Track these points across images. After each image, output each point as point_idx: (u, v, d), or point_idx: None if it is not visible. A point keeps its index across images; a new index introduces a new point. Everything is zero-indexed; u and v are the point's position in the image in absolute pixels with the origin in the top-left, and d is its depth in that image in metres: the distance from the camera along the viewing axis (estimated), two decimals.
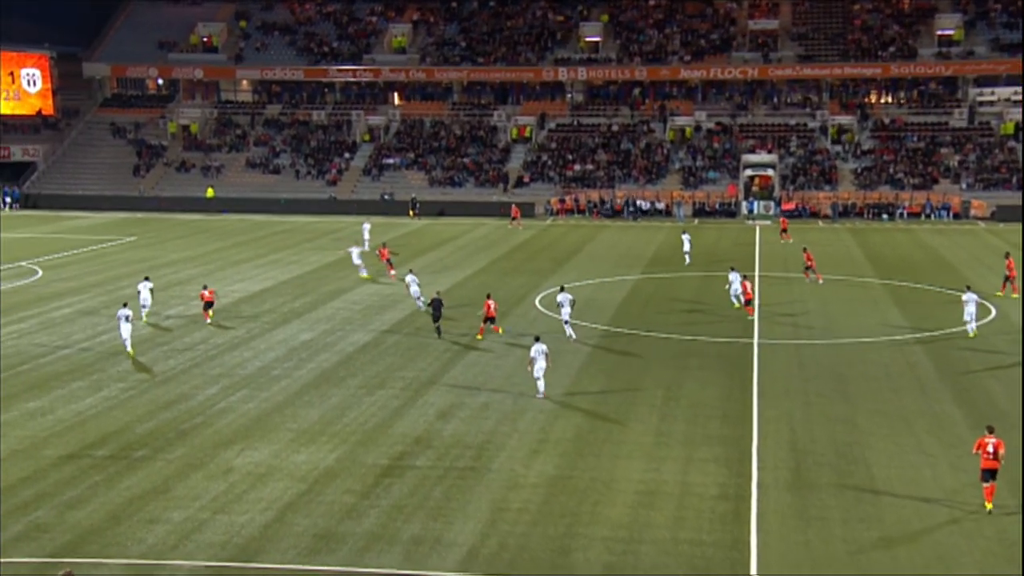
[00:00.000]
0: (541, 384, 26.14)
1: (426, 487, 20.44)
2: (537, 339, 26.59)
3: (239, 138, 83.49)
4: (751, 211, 69.96)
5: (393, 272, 43.87)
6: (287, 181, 78.17)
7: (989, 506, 18.97)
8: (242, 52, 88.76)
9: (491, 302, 33.07)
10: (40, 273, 46.15)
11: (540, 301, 39.14)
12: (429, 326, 34.13)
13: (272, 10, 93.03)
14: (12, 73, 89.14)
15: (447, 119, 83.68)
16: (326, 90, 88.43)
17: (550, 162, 77.23)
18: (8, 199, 74.85)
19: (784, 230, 57.19)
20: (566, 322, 32.41)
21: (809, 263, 43.18)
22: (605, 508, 19.38)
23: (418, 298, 37.18)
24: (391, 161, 79.35)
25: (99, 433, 23.71)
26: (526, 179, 75.85)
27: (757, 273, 45.05)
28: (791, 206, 69.62)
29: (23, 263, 48.93)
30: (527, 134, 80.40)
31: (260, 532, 18.44)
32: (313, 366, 29.75)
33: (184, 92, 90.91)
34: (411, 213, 70.90)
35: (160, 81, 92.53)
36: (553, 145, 79.19)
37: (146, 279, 36.90)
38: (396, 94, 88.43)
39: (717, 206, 71.03)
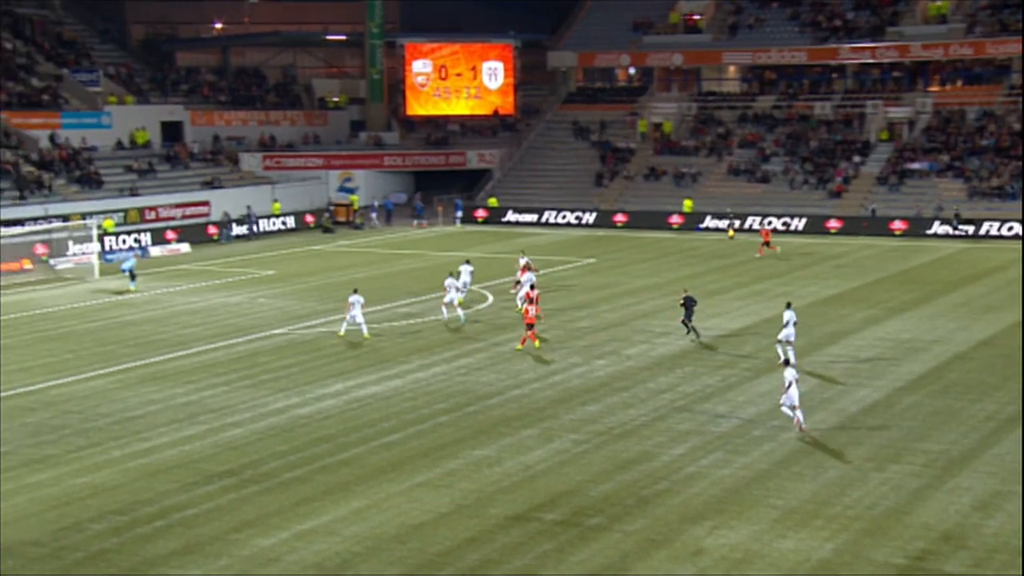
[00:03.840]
0: (797, 413, 29.08)
1: None
2: (787, 363, 31.02)
3: (721, 138, 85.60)
4: None
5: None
6: (778, 191, 78.84)
7: None
8: (732, 30, 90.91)
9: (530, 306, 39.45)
10: (490, 299, 50.46)
11: None
12: (973, 380, 33.30)
13: None
14: (474, 67, 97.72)
15: (1000, 109, 79.84)
16: (834, 75, 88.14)
17: None
18: (459, 213, 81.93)
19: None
20: (783, 341, 36.37)
21: None
22: None
23: (361, 324, 41.39)
24: (917, 166, 77.18)
25: (549, 492, 25.43)
26: None
27: None
28: None
29: (473, 287, 53.71)
30: None
31: None
32: (806, 427, 29.77)
33: (658, 83, 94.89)
34: (730, 232, 71.01)
35: (632, 71, 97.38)
36: None
37: (467, 262, 47.71)
38: (929, 78, 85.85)
39: None
